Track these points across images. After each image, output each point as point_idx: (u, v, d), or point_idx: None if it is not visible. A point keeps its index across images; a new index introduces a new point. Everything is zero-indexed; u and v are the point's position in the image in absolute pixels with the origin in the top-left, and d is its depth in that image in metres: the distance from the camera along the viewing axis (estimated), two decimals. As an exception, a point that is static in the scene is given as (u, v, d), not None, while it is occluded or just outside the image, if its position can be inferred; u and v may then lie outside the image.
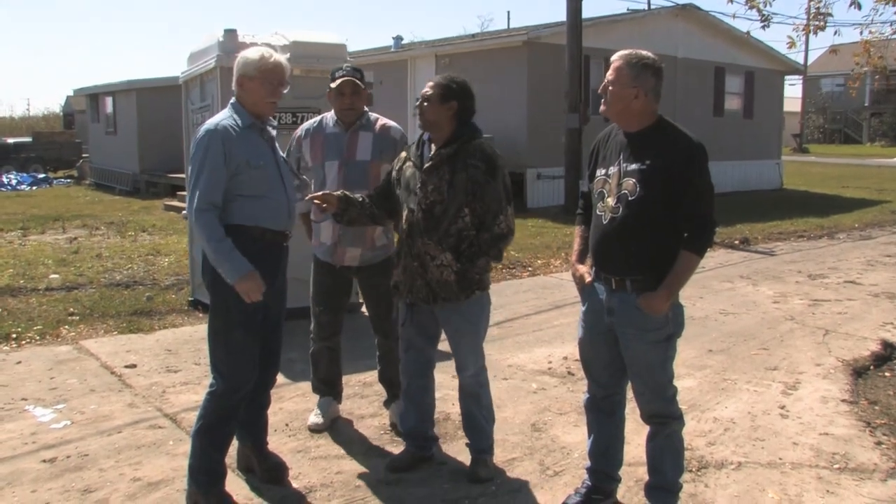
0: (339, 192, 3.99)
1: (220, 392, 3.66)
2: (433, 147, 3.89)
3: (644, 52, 3.35)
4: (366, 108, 4.57)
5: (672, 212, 3.25)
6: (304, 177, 4.63)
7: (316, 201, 3.89)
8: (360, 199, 4.03)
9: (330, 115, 4.59)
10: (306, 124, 4.73)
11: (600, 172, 3.46)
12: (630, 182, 3.29)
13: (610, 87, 3.34)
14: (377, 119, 4.57)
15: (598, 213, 3.42)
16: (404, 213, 3.90)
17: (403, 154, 4.08)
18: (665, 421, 3.49)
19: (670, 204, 3.24)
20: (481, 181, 3.75)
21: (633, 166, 3.30)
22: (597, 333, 3.52)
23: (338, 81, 4.40)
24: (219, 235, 3.46)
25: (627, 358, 3.44)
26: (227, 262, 3.45)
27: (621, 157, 3.36)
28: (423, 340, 4.07)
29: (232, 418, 3.72)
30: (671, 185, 3.22)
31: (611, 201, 3.34)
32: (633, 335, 3.37)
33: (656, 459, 3.56)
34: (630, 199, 3.28)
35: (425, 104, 3.84)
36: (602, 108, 3.42)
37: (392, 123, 4.60)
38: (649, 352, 3.38)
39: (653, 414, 3.50)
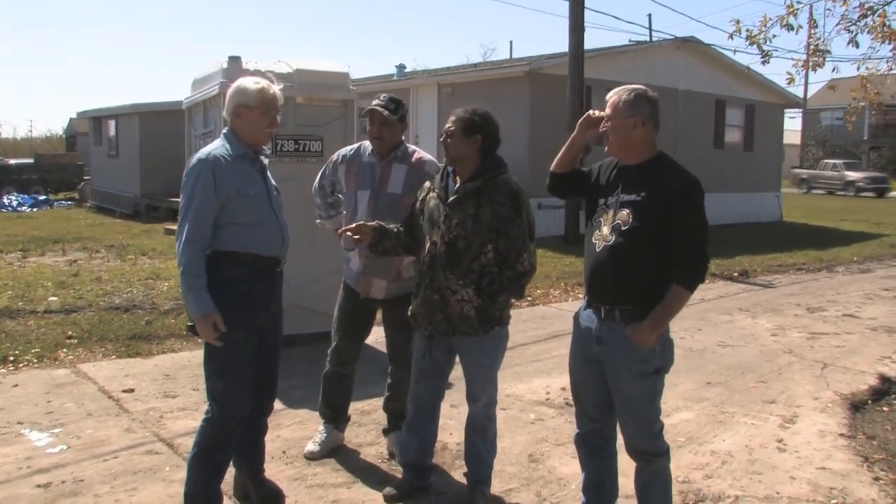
0: (374, 223, 4.00)
1: (215, 418, 3.68)
2: (458, 179, 3.90)
3: (637, 85, 3.44)
4: (403, 140, 4.57)
5: (664, 244, 3.27)
6: (334, 200, 4.70)
7: (349, 234, 3.89)
8: (395, 230, 4.04)
9: (368, 144, 4.61)
10: (344, 150, 4.76)
11: (600, 201, 3.49)
12: (624, 213, 3.33)
13: (609, 122, 3.40)
14: (414, 152, 4.56)
15: (592, 241, 3.46)
16: (426, 245, 3.89)
17: (427, 184, 4.08)
18: (650, 458, 3.48)
19: (663, 236, 3.27)
20: (506, 218, 3.76)
21: (629, 197, 3.34)
22: (586, 363, 3.53)
23: (366, 110, 4.45)
24: (198, 271, 3.50)
25: (613, 389, 3.45)
26: (194, 298, 3.49)
27: (619, 188, 3.41)
28: (437, 372, 4.08)
29: (228, 444, 3.73)
30: (664, 219, 3.26)
31: (605, 230, 3.39)
32: (620, 365, 3.38)
33: (644, 496, 3.57)
34: (623, 228, 3.32)
35: (449, 140, 3.85)
36: (606, 148, 3.48)
37: (428, 157, 4.57)
38: (635, 384, 3.38)
39: (637, 449, 3.50)
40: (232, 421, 3.69)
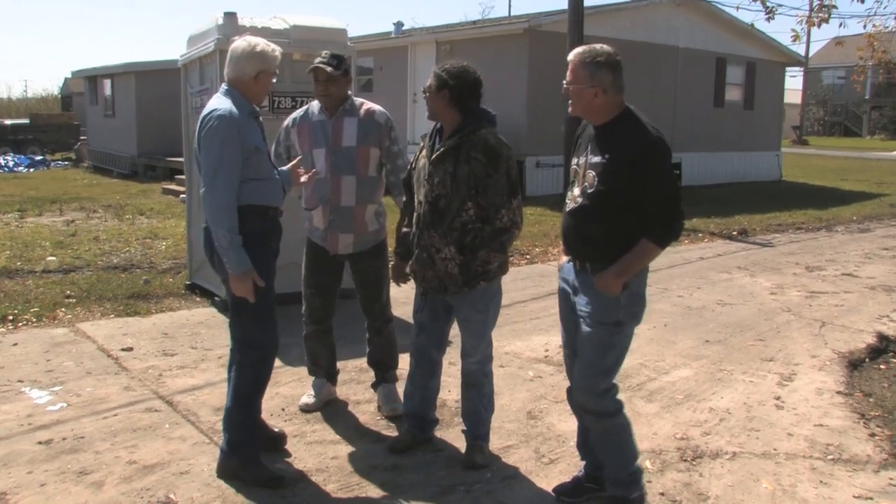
0: (405, 264, 4.09)
1: (255, 360, 3.85)
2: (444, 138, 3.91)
3: (599, 48, 3.32)
4: (349, 94, 4.59)
5: (629, 206, 3.24)
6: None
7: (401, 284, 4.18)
8: (404, 220, 4.15)
9: (315, 104, 4.63)
10: (294, 114, 4.78)
11: (573, 161, 3.51)
12: (591, 174, 3.33)
13: (570, 88, 3.34)
14: (362, 104, 4.61)
15: (567, 200, 3.49)
16: (417, 205, 3.94)
17: (421, 143, 4.09)
18: (593, 417, 3.46)
19: (627, 198, 3.24)
20: (482, 175, 3.74)
21: (596, 159, 3.33)
22: (567, 315, 3.58)
23: (310, 68, 4.46)
24: (235, 227, 3.61)
25: (578, 339, 3.46)
26: (237, 256, 3.61)
27: (588, 148, 3.40)
28: (435, 326, 4.11)
29: (267, 382, 3.96)
30: (628, 179, 3.22)
31: (576, 191, 3.41)
32: (585, 314, 3.39)
33: (598, 453, 3.58)
34: (589, 191, 3.32)
35: (426, 95, 3.88)
36: (570, 108, 3.43)
37: (377, 108, 4.62)
38: (592, 330, 3.37)
39: (578, 403, 3.50)
40: (270, 361, 3.93)
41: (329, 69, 4.39)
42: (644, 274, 3.43)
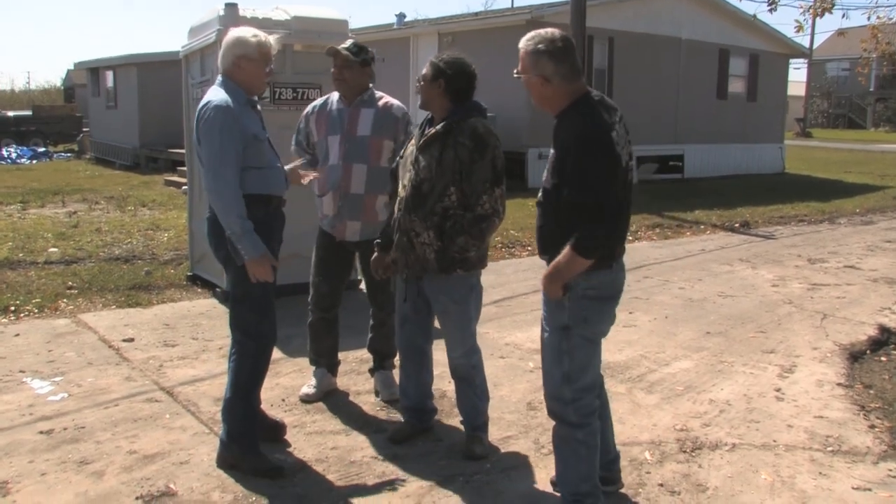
0: (390, 256, 4.04)
1: (254, 353, 3.87)
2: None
3: (543, 34, 3.16)
4: (370, 86, 4.62)
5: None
6: (314, 153, 4.71)
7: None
8: (388, 205, 4.16)
9: (336, 94, 4.66)
10: (315, 102, 4.83)
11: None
12: (546, 169, 3.26)
13: (521, 78, 3.23)
14: (381, 97, 4.64)
15: None
16: (400, 189, 3.94)
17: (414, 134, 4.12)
18: (559, 422, 3.34)
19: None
20: (467, 161, 3.74)
21: (549, 154, 3.25)
22: None
23: (329, 49, 4.49)
24: (244, 213, 3.63)
25: None
26: (251, 241, 3.62)
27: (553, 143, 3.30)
28: (419, 316, 4.09)
29: (264, 376, 3.98)
30: (563, 175, 3.05)
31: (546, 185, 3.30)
32: (542, 316, 3.33)
33: (555, 456, 3.46)
34: (542, 187, 3.26)
35: (420, 83, 3.90)
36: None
37: (395, 102, 4.65)
38: (546, 334, 3.29)
39: (547, 406, 3.41)
40: (269, 351, 3.95)
41: (345, 52, 4.42)
42: (604, 276, 3.17)
